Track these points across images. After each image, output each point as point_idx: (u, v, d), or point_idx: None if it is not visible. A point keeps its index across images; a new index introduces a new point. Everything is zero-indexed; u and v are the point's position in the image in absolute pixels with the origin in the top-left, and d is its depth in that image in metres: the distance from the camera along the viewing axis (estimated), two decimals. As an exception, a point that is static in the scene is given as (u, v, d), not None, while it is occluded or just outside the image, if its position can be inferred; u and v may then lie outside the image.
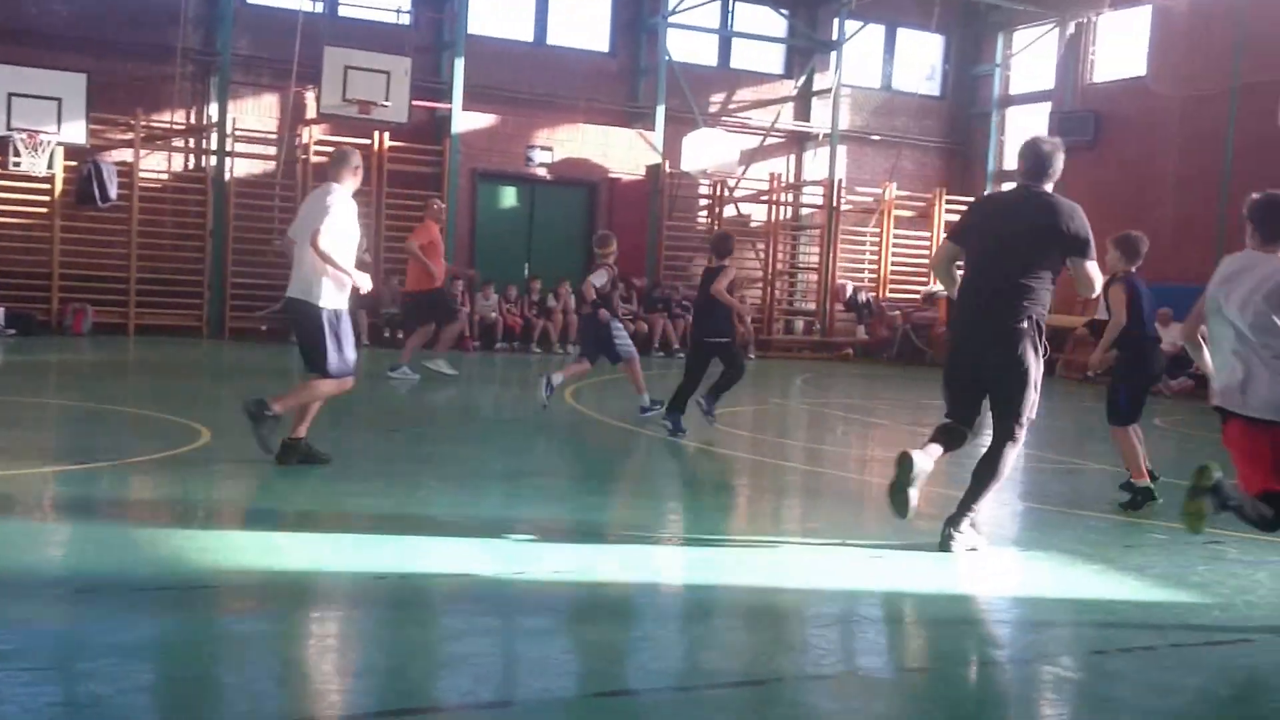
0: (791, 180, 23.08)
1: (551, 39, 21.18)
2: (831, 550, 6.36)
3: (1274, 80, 14.49)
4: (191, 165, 19.17)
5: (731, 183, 21.77)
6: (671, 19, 21.21)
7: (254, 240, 18.72)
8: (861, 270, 22.82)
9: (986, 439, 6.28)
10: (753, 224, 22.62)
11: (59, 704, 3.57)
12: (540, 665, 4.25)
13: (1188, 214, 19.11)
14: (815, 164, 23.03)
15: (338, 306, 7.44)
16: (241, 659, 4.12)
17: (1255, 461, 5.34)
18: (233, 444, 7.95)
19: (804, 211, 23.15)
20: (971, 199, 22.97)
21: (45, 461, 7.76)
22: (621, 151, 21.06)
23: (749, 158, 22.04)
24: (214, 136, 18.76)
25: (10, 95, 16.75)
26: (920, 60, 23.67)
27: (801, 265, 23.19)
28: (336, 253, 7.29)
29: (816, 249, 22.60)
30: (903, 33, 23.70)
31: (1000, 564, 6.43)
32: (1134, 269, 8.20)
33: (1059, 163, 6.25)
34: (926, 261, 21.79)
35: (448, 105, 19.51)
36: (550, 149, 20.57)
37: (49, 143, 17.07)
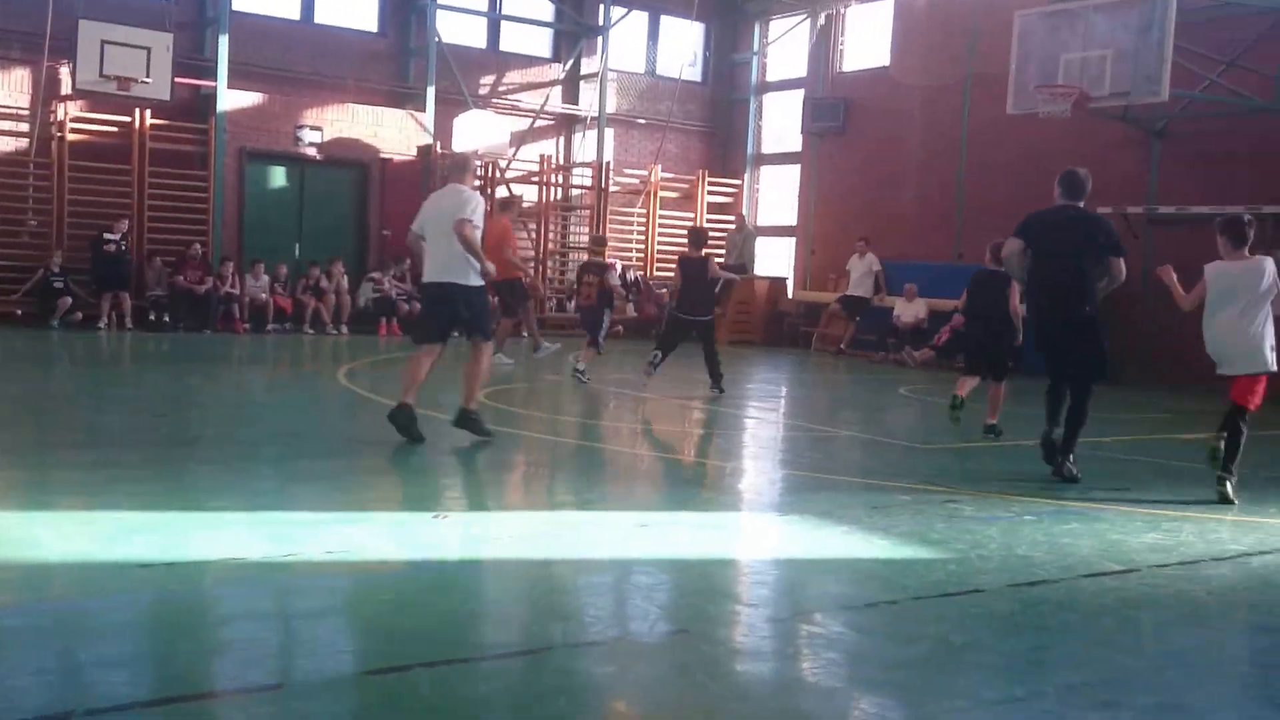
0: (561, 162, 23.27)
1: (320, 17, 20.68)
2: (602, 521, 6.57)
3: (1003, 72, 15.51)
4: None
5: (503, 164, 21.81)
6: (441, 1, 21.03)
7: (6, 220, 17.77)
8: (630, 250, 23.24)
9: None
10: (524, 205, 22.73)
11: None
12: (312, 646, 4.26)
13: (930, 196, 20.25)
14: (584, 146, 23.29)
15: (480, 284, 8.63)
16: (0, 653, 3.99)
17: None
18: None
19: (574, 192, 23.39)
20: (734, 180, 24.03)
21: None
22: (393, 132, 20.89)
23: (519, 139, 22.13)
24: (-40, 112, 17.62)
25: None
26: (683, 47, 24.21)
27: (572, 245, 23.43)
28: (477, 242, 8.42)
29: (586, 229, 22.87)
30: (666, 20, 24.18)
31: (758, 528, 6.79)
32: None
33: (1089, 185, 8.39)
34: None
35: (213, 83, 18.94)
36: (320, 129, 20.23)
37: None
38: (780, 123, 24.10)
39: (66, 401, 10.95)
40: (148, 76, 17.67)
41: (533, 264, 22.40)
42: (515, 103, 22.60)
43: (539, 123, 22.73)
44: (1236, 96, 15.38)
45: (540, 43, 23.34)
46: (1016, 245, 8.42)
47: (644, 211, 23.14)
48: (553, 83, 22.93)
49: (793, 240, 23.39)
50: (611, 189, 22.68)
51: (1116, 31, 13.66)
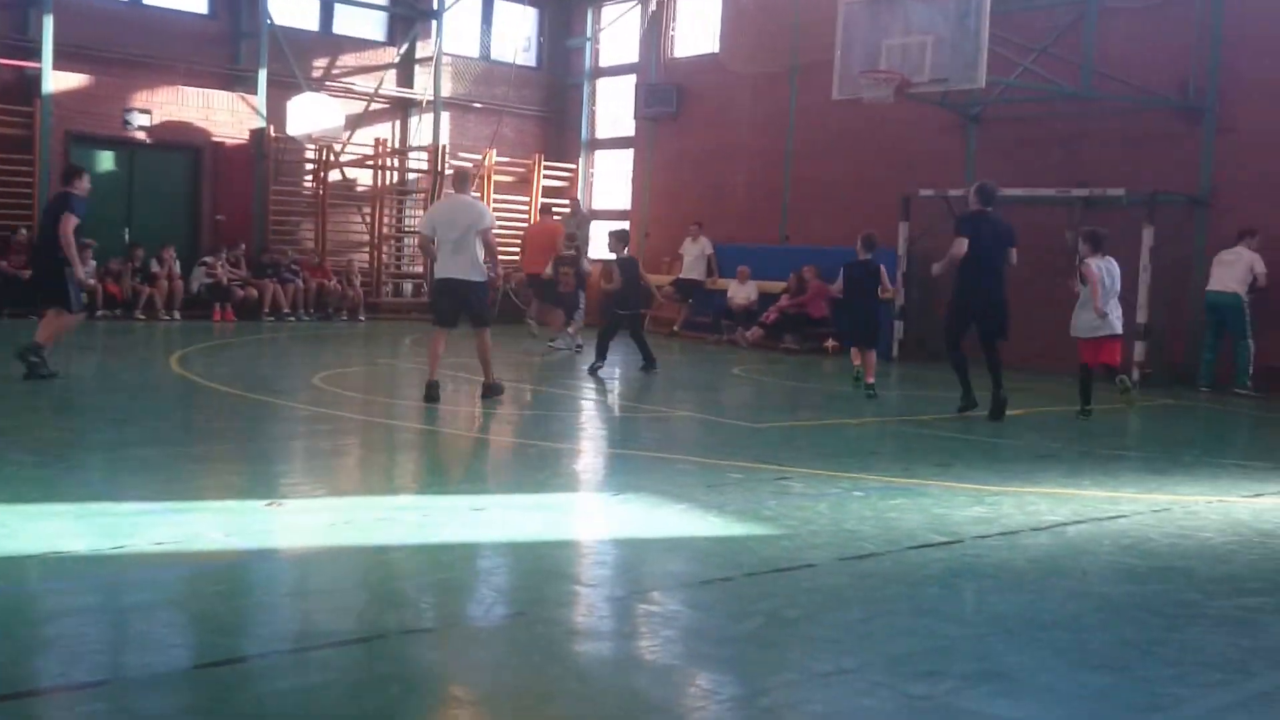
0: (397, 146, 22.96)
1: (149, -1, 20.00)
2: (437, 505, 6.56)
3: (827, 60, 15.89)
4: None
5: (337, 147, 21.46)
6: (272, -18, 20.51)
7: None
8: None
9: None
10: (359, 189, 22.43)
11: None
12: (141, 641, 4.15)
13: (758, 180, 20.64)
14: (420, 130, 23.02)
15: (483, 280, 10.57)
16: None
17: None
18: None
19: (410, 176, 23.11)
20: (569, 165, 24.00)
21: None
22: (224, 115, 20.36)
23: (354, 123, 21.75)
24: None
25: None
26: (517, 32, 24.11)
27: (408, 229, 23.13)
28: (495, 245, 10.58)
29: (422, 213, 22.61)
30: (499, 5, 24.04)
31: (595, 508, 6.87)
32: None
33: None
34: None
35: (37, 64, 18.19)
36: (149, 112, 19.60)
37: None
38: (614, 107, 24.20)
39: None
40: (-33, 58, 16.87)
41: (367, 249, 22.17)
42: (349, 86, 22.20)
43: (374, 106, 22.37)
44: (1048, 83, 16.10)
45: (374, 26, 22.98)
46: (965, 244, 10.51)
47: (479, 195, 22.96)
48: (387, 66, 22.59)
49: (627, 224, 23.52)
50: (447, 173, 22.45)
51: (935, 19, 14.11)
